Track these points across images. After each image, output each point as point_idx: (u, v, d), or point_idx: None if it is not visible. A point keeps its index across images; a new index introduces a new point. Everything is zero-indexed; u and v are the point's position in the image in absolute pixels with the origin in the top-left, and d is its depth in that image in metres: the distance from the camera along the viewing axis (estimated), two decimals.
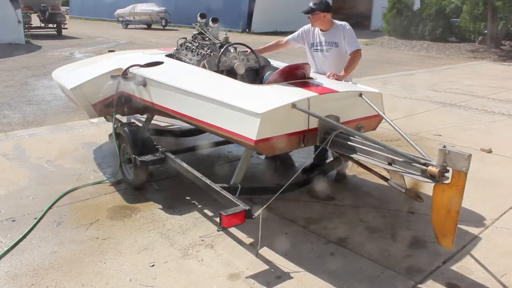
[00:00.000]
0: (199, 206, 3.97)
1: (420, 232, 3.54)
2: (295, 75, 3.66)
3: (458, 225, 3.32)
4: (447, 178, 2.59)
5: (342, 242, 3.38)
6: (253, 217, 3.02)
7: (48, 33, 21.95)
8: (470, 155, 2.46)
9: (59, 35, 21.78)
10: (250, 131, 3.03)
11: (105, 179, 4.49)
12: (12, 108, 7.66)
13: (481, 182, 4.48)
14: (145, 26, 29.39)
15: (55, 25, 22.26)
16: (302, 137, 3.28)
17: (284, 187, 3.16)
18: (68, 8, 40.37)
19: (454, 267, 3.09)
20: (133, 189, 4.27)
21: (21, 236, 3.37)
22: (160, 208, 3.92)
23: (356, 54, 4.10)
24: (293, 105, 3.11)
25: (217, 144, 4.90)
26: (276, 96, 3.35)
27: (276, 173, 4.95)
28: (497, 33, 18.15)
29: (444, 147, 2.55)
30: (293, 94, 3.32)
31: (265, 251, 3.24)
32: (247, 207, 3.00)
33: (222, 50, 4.12)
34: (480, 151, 5.49)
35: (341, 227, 3.64)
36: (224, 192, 3.23)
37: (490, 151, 5.49)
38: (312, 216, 3.81)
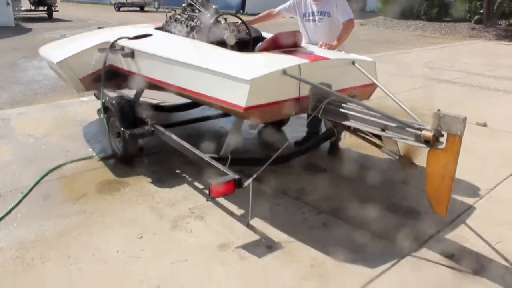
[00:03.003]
0: (189, 179, 3.90)
1: (414, 202, 3.49)
2: (286, 43, 3.56)
3: (453, 196, 3.30)
4: (442, 143, 2.52)
5: (334, 212, 3.33)
6: (243, 186, 2.95)
7: (38, 16, 21.54)
8: (465, 118, 2.38)
9: (50, 18, 21.35)
10: (239, 98, 2.94)
11: (94, 154, 4.39)
12: (1, 88, 7.50)
13: (476, 154, 4.42)
14: (138, 9, 28.95)
15: (45, 8, 21.82)
16: (294, 105, 3.19)
17: (274, 156, 3.08)
18: None
19: (448, 236, 3.04)
20: (123, 164, 4.19)
21: (6, 210, 3.30)
22: (149, 182, 3.85)
23: (349, 24, 4.00)
24: (284, 72, 3.02)
25: (209, 118, 4.81)
26: (266, 63, 3.25)
27: (268, 146, 4.86)
28: (493, 13, 17.98)
29: (439, 110, 2.47)
30: (283, 61, 3.23)
31: (256, 222, 3.18)
32: (236, 176, 2.93)
33: (212, 20, 4.00)
34: (475, 125, 5.43)
35: (334, 198, 3.58)
36: (213, 162, 3.16)
37: (485, 125, 5.44)
38: (304, 188, 3.75)
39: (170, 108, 5.36)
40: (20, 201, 3.46)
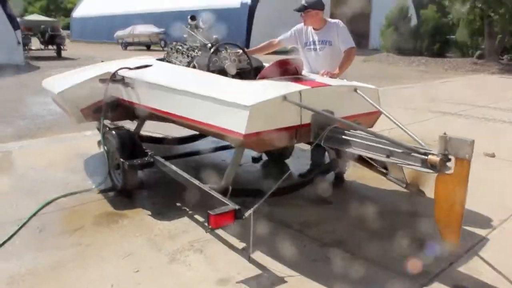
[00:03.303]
0: (190, 212, 3.78)
1: (424, 233, 3.33)
2: (286, 70, 3.52)
3: (465, 227, 3.16)
4: (449, 168, 2.42)
5: (339, 245, 3.18)
6: (244, 217, 2.84)
7: (48, 55, 22.04)
8: (473, 140, 2.29)
9: (59, 57, 21.83)
10: (239, 125, 2.87)
11: (93, 186, 4.30)
12: (5, 123, 7.52)
13: (486, 184, 4.29)
14: (145, 48, 29.60)
15: (54, 47, 22.36)
16: (295, 133, 3.11)
17: (275, 187, 2.97)
18: (69, 31, 40.84)
19: (461, 269, 2.88)
20: (122, 196, 4.09)
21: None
22: (149, 214, 3.73)
23: (350, 52, 3.98)
24: (284, 98, 2.96)
25: (210, 151, 4.74)
26: (266, 89, 3.21)
27: (272, 178, 4.76)
28: (495, 47, 18.17)
29: (445, 134, 2.38)
30: (284, 87, 3.18)
31: (258, 256, 3.03)
32: (236, 207, 2.82)
33: (212, 50, 4.00)
34: (484, 156, 5.32)
35: (338, 230, 3.44)
36: (213, 193, 3.06)
37: (493, 156, 5.32)
38: (307, 220, 3.62)
39: (173, 141, 5.30)
40: (15, 233, 3.35)
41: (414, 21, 22.94)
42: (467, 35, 19.24)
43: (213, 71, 3.96)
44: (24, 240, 3.27)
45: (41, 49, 22.29)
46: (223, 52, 4.19)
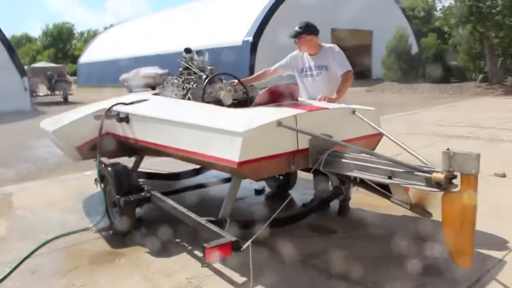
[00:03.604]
0: (189, 247, 3.62)
1: (435, 258, 3.14)
2: (281, 96, 3.44)
3: (479, 250, 2.97)
4: (456, 185, 2.27)
5: (346, 275, 2.99)
6: (242, 249, 2.68)
7: (54, 100, 22.37)
8: (479, 154, 2.16)
9: (65, 102, 22.11)
10: (232, 153, 2.76)
11: (90, 226, 4.17)
12: (7, 166, 7.49)
13: (498, 205, 4.08)
14: (150, 89, 29.95)
15: (61, 92, 22.70)
16: (292, 159, 2.99)
17: (272, 217, 2.84)
18: (76, 77, 41.70)
19: None
20: (120, 234, 3.94)
21: None
22: (146, 252, 3.58)
23: (347, 75, 3.91)
24: (279, 123, 2.86)
25: (212, 184, 4.61)
26: (259, 115, 3.11)
27: (274, 210, 4.60)
28: (497, 70, 18.16)
29: (448, 149, 2.25)
30: (278, 112, 3.08)
31: None
32: (233, 238, 2.68)
33: (206, 80, 3.95)
34: (494, 176, 5.13)
35: (345, 260, 3.24)
36: (209, 225, 2.91)
37: (504, 175, 5.14)
38: (312, 251, 3.43)
39: (172, 176, 5.20)
40: (6, 276, 3.21)
41: (414, 49, 23.13)
42: (468, 59, 19.30)
43: (208, 102, 3.90)
44: (15, 283, 3.13)
45: (48, 95, 22.64)
46: (218, 83, 4.15)
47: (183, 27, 29.20)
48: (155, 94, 4.65)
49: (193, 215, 3.13)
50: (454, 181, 2.26)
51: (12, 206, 5.08)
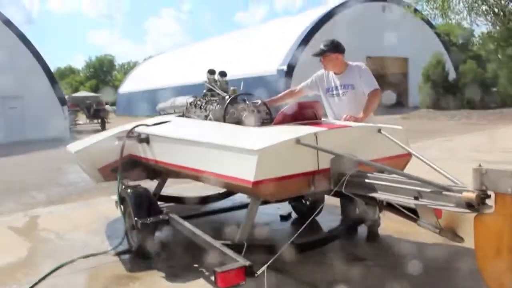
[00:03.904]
0: (207, 273, 3.46)
1: None
2: (303, 115, 3.29)
3: None
4: (490, 206, 2.04)
5: None
6: (256, 275, 2.50)
7: (93, 128, 23.04)
8: None
9: (103, 130, 22.71)
10: (247, 172, 2.62)
11: (109, 249, 4.09)
12: (40, 190, 7.63)
13: None
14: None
15: (99, 120, 23.40)
16: (312, 179, 2.82)
17: (288, 242, 2.66)
18: (115, 107, 43.02)
19: None
20: (138, 258, 3.84)
21: None
22: (162, 277, 3.46)
23: (374, 94, 3.74)
24: (297, 141, 2.71)
25: (235, 209, 4.47)
26: (277, 133, 2.97)
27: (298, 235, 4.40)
28: None
29: (480, 166, 2.04)
30: (298, 130, 2.93)
31: None
32: (247, 263, 2.51)
33: (228, 101, 3.86)
34: None
35: None
36: (224, 248, 2.76)
37: None
38: (336, 279, 3.20)
39: (196, 200, 5.08)
40: None
41: (452, 75, 22.55)
42: (508, 84, 18.59)
43: (230, 123, 3.81)
44: None
45: (87, 123, 23.38)
46: (241, 103, 4.06)
47: (219, 57, 29.75)
48: (179, 116, 4.60)
49: (208, 238, 2.98)
50: (487, 201, 2.04)
51: (37, 228, 5.11)
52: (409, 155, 3.20)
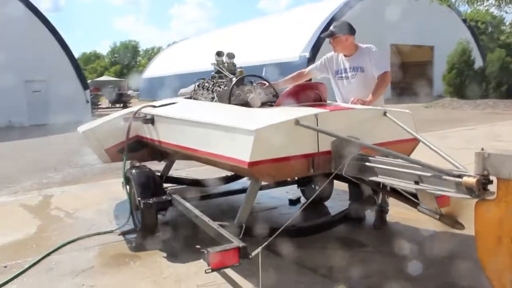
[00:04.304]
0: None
1: (476, 281, 2.74)
2: (307, 97, 3.20)
3: None
4: (492, 192, 1.93)
5: None
6: (250, 257, 2.46)
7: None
8: None
9: None
10: (243, 152, 2.56)
11: (114, 228, 4.11)
12: (56, 171, 7.78)
13: None
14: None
15: (121, 105, 23.68)
16: (311, 161, 2.73)
17: (284, 225, 2.59)
18: (138, 92, 43.44)
19: None
20: (142, 238, 3.85)
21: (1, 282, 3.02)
22: (163, 257, 3.45)
23: (383, 77, 3.60)
24: (296, 122, 2.62)
25: (241, 191, 4.43)
26: (277, 114, 2.90)
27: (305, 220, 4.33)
28: None
29: (482, 149, 1.92)
30: (298, 111, 2.84)
31: None
32: (241, 244, 2.46)
33: (233, 83, 3.79)
34: None
35: (371, 276, 2.93)
36: (220, 229, 2.72)
37: None
38: (336, 265, 3.13)
39: (208, 182, 5.05)
40: (22, 272, 3.19)
41: (478, 63, 21.82)
42: None
43: (236, 105, 3.74)
44: (29, 280, 3.11)
45: (109, 107, 23.69)
46: (247, 85, 3.98)
47: (243, 43, 29.60)
48: (187, 98, 4.56)
49: (206, 219, 2.96)
50: (489, 187, 1.93)
51: (49, 206, 5.19)
52: (416, 140, 3.08)
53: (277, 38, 28.46)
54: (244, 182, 4.92)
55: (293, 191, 5.02)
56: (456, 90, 20.49)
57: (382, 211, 3.85)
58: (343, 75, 3.85)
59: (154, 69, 45.13)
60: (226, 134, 2.77)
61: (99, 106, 23.21)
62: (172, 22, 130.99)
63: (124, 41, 76.00)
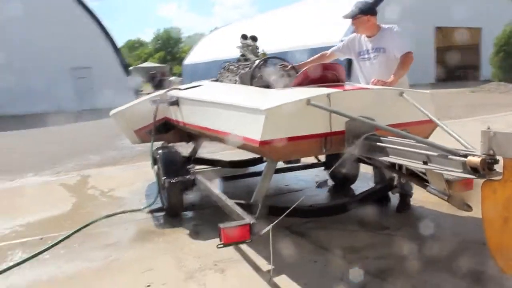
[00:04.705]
0: None
1: (493, 267, 2.68)
2: (324, 77, 3.19)
3: None
4: (498, 173, 1.89)
5: (380, 274, 2.69)
6: (261, 233, 2.52)
7: None
8: None
9: None
10: (255, 131, 2.61)
11: (142, 207, 4.28)
12: (96, 153, 8.11)
13: None
14: None
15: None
16: (323, 141, 2.75)
17: (294, 205, 2.64)
18: (181, 78, 44.19)
19: None
20: (168, 216, 4.01)
21: (34, 253, 3.25)
22: (186, 234, 3.59)
23: (406, 57, 3.53)
24: (308, 102, 2.64)
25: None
26: (291, 94, 2.92)
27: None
28: None
29: (489, 128, 1.89)
30: (311, 92, 2.85)
31: (283, 280, 2.68)
32: (252, 221, 2.53)
33: (255, 65, 3.83)
34: None
35: (386, 258, 2.93)
36: (234, 207, 2.80)
37: None
38: (354, 245, 3.16)
39: (236, 164, 5.15)
40: (55, 244, 3.42)
41: None
42: None
43: (258, 86, 3.79)
44: (60, 251, 3.33)
45: (151, 93, 24.27)
46: (270, 67, 4.01)
47: (284, 28, 29.37)
48: (213, 80, 4.65)
49: (223, 197, 3.04)
50: (495, 167, 1.89)
51: (86, 186, 5.47)
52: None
53: (318, 22, 28.03)
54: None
55: (323, 173, 5.04)
56: (504, 73, 19.48)
57: (405, 194, 3.80)
58: (366, 56, 3.81)
59: (196, 55, 45.60)
60: (240, 114, 2.83)
61: (141, 92, 23.78)
62: (215, 8, 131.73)
63: (167, 28, 77.25)
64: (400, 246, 3.09)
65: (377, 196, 3.55)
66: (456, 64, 26.66)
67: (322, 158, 4.76)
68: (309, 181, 5.04)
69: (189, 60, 47.46)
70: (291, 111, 2.63)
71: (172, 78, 27.94)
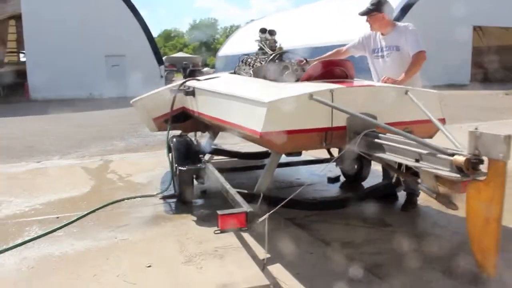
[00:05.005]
0: None
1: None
2: (332, 73, 3.23)
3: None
4: (483, 173, 1.91)
5: (372, 269, 2.73)
6: (258, 221, 2.61)
7: None
8: (509, 136, 1.78)
9: None
10: (256, 123, 2.70)
11: (155, 193, 4.43)
12: (121, 140, 8.39)
13: None
14: None
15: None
16: (324, 136, 2.80)
17: (290, 197, 2.70)
18: (214, 69, 44.61)
19: None
20: (180, 204, 4.14)
21: (49, 230, 3.45)
22: (193, 220, 3.72)
23: (418, 56, 3.51)
24: (310, 96, 2.70)
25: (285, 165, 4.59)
26: (296, 88, 2.97)
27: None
28: None
29: (476, 129, 1.90)
30: (315, 86, 2.90)
31: (276, 268, 2.76)
32: (249, 209, 2.62)
33: (270, 58, 3.90)
34: None
35: (383, 253, 2.97)
36: (236, 196, 2.89)
37: None
38: (353, 240, 3.20)
39: (253, 156, 5.24)
40: (68, 224, 3.61)
41: None
42: None
43: (274, 80, 3.85)
44: (72, 229, 3.52)
45: None
46: (285, 61, 4.07)
47: (318, 22, 29.12)
48: (231, 73, 4.74)
49: (227, 186, 3.14)
50: (480, 167, 1.91)
51: (106, 170, 5.68)
52: (442, 120, 3.02)
53: (353, 18, 27.58)
54: (284, 157, 5.05)
55: (337, 169, 5.06)
56: None
57: (412, 193, 3.81)
58: (379, 54, 3.81)
59: (231, 47, 45.74)
60: (244, 105, 2.92)
61: (173, 81, 24.25)
62: (252, 0, 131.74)
63: (203, 19, 77.89)
64: (399, 243, 3.10)
65: (380, 193, 3.57)
66: (495, 65, 25.79)
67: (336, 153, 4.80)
68: (321, 176, 5.08)
69: (223, 51, 47.71)
70: (293, 105, 2.70)
71: (205, 69, 28.21)
